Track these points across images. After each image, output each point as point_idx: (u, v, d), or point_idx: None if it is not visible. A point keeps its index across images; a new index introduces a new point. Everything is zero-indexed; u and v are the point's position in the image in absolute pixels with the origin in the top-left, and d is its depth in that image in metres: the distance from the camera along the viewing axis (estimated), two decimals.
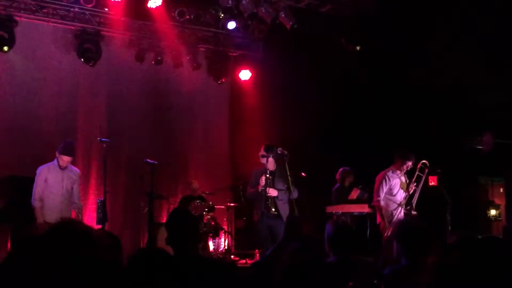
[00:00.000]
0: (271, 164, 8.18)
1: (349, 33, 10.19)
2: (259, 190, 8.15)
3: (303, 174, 8.90)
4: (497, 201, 10.54)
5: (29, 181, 8.04)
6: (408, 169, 8.53)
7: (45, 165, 7.82)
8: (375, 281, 3.75)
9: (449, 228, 7.88)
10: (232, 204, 10.37)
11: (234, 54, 11.42)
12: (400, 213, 8.34)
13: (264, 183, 8.05)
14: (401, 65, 9.56)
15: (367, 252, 8.17)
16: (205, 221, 9.55)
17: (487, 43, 8.70)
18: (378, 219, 8.44)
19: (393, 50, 9.49)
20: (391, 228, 8.19)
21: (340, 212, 8.67)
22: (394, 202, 8.39)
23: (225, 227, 10.20)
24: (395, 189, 8.42)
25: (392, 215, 8.28)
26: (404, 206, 8.48)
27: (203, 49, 11.08)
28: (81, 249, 1.78)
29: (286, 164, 8.17)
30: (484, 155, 9.67)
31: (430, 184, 8.56)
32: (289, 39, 10.16)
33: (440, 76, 9.18)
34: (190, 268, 3.68)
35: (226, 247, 9.89)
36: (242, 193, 9.66)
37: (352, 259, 4.20)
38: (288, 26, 9.79)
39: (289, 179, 8.17)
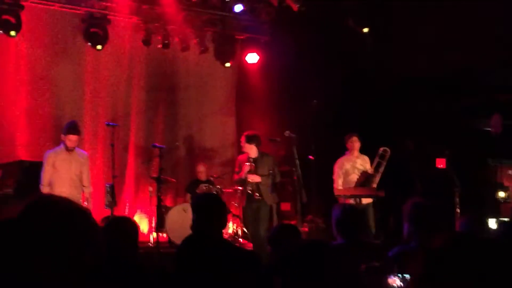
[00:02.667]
0: (253, 151, 8.32)
1: (357, 15, 10.10)
2: (243, 176, 8.35)
3: (310, 157, 8.89)
4: (506, 183, 10.51)
5: (37, 165, 8.06)
6: (358, 148, 8.74)
7: (52, 149, 7.80)
8: (381, 263, 3.72)
9: (458, 210, 7.87)
10: (240, 188, 10.37)
11: (241, 37, 11.34)
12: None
13: (247, 170, 8.24)
14: (410, 46, 9.49)
15: (373, 235, 8.29)
16: None
17: (498, 24, 8.63)
18: None
19: (401, 31, 9.42)
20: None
21: (348, 195, 8.69)
22: (349, 185, 8.69)
23: (233, 210, 10.21)
24: (350, 173, 8.71)
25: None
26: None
27: (210, 32, 11.00)
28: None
29: (294, 147, 8.29)
30: (493, 137, 9.63)
31: (439, 166, 8.53)
32: (296, 22, 10.09)
33: (450, 58, 9.11)
34: (217, 252, 3.71)
35: (234, 231, 9.91)
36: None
37: (360, 241, 4.20)
38: (295, 9, 9.72)
39: (297, 162, 8.29)
